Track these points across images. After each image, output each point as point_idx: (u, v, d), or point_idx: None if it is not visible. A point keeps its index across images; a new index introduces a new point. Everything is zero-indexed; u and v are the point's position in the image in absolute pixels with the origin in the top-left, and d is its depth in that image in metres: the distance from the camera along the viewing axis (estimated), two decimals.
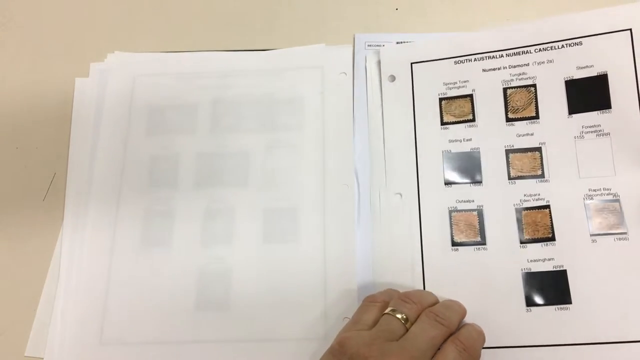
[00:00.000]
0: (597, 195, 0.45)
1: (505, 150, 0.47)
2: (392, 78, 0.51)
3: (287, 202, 0.48)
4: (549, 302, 0.43)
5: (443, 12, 0.55)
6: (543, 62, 0.48)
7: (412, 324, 0.39)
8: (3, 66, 0.56)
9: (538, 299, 0.43)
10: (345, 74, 0.52)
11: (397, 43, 0.53)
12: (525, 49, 0.49)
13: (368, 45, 0.53)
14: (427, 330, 0.38)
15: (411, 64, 0.51)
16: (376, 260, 0.46)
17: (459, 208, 0.46)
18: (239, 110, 0.52)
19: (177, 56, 0.55)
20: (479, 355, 0.39)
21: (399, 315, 0.39)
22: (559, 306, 0.43)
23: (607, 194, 0.45)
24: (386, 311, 0.40)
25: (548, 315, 0.43)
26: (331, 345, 0.38)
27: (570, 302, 0.43)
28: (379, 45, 0.53)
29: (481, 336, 0.40)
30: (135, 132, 0.52)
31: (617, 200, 0.44)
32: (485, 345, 0.41)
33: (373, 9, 0.56)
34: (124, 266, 0.47)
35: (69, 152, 0.51)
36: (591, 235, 0.44)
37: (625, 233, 0.44)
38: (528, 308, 0.43)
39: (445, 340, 0.38)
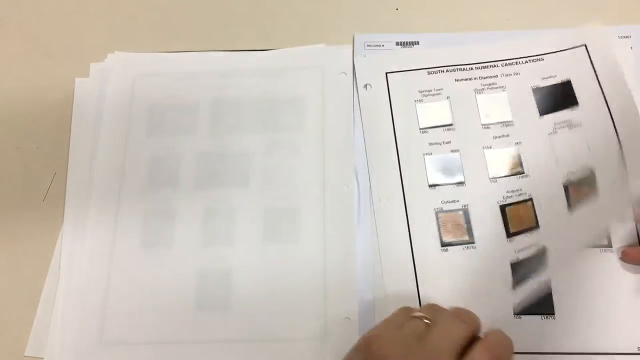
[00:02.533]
0: (575, 175, 0.47)
1: (484, 151, 0.49)
2: (367, 86, 0.52)
3: (288, 202, 0.48)
4: (535, 310, 0.44)
5: (443, 12, 0.55)
6: (510, 74, 0.51)
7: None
8: (3, 66, 0.56)
9: (526, 307, 0.44)
10: (345, 74, 0.52)
11: (397, 44, 0.53)
12: (493, 63, 0.52)
13: (367, 45, 0.53)
14: (450, 330, 0.37)
15: (386, 73, 0.52)
16: (376, 260, 0.46)
17: (444, 209, 0.47)
18: (239, 111, 0.52)
19: (177, 56, 0.55)
20: None
21: (426, 320, 0.38)
22: (545, 316, 0.44)
23: (585, 173, 0.46)
24: (414, 314, 0.39)
25: (535, 323, 0.44)
26: (357, 341, 0.38)
27: (553, 313, 0.44)
28: (379, 46, 0.53)
29: (510, 344, 0.38)
30: (136, 132, 0.52)
31: (593, 174, 0.46)
32: None
33: (373, 9, 0.56)
34: (124, 266, 0.47)
35: (69, 152, 0.51)
36: (569, 210, 0.46)
37: (610, 247, 0.45)
38: (517, 316, 0.44)
39: (470, 343, 0.37)
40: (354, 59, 0.53)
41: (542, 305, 0.44)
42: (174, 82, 0.53)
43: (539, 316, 0.44)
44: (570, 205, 0.46)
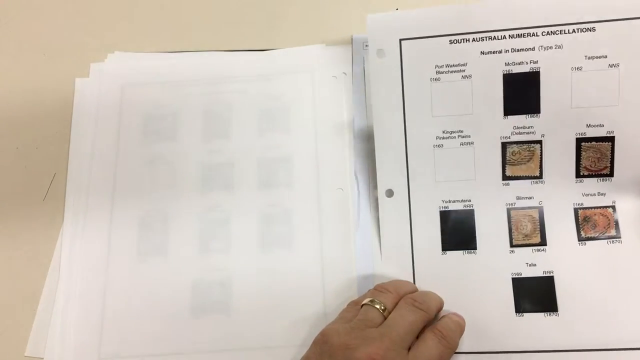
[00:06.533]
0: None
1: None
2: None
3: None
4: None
5: None
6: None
7: (389, 313, 0.39)
8: (3, 66, 0.56)
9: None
10: (345, 74, 0.52)
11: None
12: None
13: (366, 46, 0.53)
14: (405, 316, 0.39)
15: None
16: (376, 262, 0.46)
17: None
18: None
19: (175, 58, 0.55)
20: (457, 344, 0.40)
21: (377, 305, 0.40)
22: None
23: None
24: (364, 302, 0.40)
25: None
26: (315, 338, 0.39)
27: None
28: None
29: (459, 327, 0.41)
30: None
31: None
32: (476, 350, 0.42)
33: (373, 9, 0.56)
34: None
35: (69, 152, 0.51)
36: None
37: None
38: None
39: (424, 328, 0.39)
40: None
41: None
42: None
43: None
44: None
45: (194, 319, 0.45)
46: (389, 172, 0.46)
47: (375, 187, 0.47)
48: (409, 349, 0.38)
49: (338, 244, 0.47)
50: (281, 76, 0.53)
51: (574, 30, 0.43)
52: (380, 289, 0.42)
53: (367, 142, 0.50)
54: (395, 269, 0.45)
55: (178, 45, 0.55)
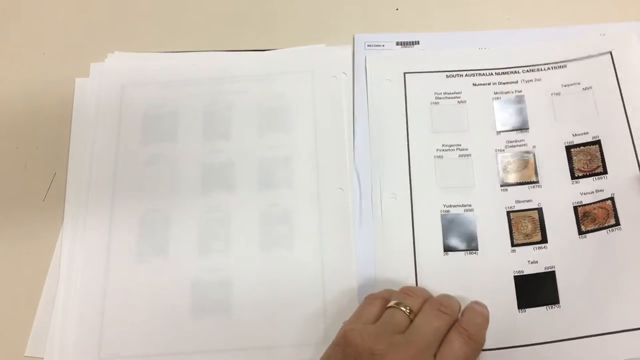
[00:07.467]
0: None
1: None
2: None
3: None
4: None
5: (443, 12, 0.55)
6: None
7: (415, 316, 0.39)
8: (3, 66, 0.56)
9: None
10: (345, 74, 0.52)
11: (397, 44, 0.53)
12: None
13: (368, 45, 0.53)
14: (431, 321, 0.38)
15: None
16: (377, 262, 0.46)
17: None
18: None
19: (176, 58, 0.55)
20: (484, 340, 0.40)
21: (403, 308, 0.39)
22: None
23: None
24: (390, 304, 0.40)
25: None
26: (335, 337, 0.38)
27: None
28: (379, 45, 0.53)
29: (484, 319, 0.41)
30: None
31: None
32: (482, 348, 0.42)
33: (373, 9, 0.56)
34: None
35: (69, 152, 0.51)
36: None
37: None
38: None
39: (450, 328, 0.39)
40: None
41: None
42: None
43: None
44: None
45: (194, 319, 0.45)
46: (392, 180, 0.48)
47: (376, 187, 0.48)
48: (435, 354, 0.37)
49: (338, 244, 0.47)
50: (281, 76, 0.53)
51: (549, 68, 0.51)
52: (407, 291, 0.41)
53: (367, 142, 0.50)
54: (396, 269, 0.45)
55: (178, 45, 0.56)
